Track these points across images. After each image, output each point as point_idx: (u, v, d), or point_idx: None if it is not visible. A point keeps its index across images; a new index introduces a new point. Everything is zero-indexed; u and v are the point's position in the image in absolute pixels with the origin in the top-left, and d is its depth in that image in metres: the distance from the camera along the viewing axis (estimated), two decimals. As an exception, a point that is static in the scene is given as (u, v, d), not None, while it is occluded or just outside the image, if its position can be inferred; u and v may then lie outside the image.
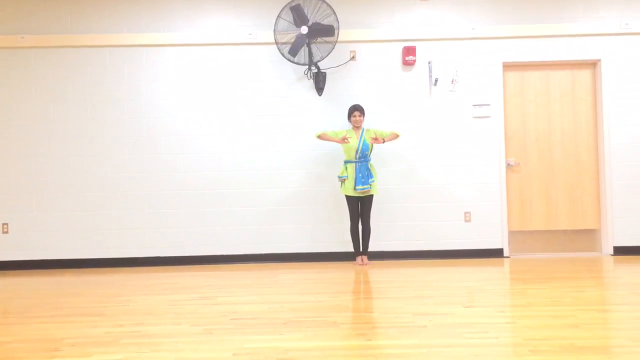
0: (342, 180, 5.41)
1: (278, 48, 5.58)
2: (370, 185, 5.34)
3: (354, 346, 2.84)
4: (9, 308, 3.97)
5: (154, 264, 5.74)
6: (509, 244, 5.84)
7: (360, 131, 5.44)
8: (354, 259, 5.54)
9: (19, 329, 3.35)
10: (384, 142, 5.40)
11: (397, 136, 5.44)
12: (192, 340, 3.02)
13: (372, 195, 5.42)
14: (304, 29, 5.45)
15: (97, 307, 3.88)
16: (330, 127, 5.72)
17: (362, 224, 5.48)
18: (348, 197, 5.42)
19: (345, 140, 5.33)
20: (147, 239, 5.77)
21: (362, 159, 5.37)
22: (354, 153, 5.37)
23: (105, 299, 4.14)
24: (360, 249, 5.49)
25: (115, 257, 5.74)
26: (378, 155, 5.66)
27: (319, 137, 5.46)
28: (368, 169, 5.37)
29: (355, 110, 5.44)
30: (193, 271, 5.39)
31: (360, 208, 5.46)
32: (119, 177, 5.77)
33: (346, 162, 5.43)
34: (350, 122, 5.52)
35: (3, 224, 5.74)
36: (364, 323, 3.31)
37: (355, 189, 5.33)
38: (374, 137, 5.36)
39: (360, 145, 5.36)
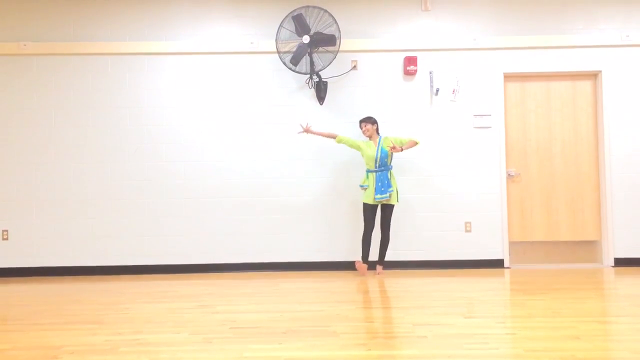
0: (364, 188, 5.43)
1: (280, 57, 5.61)
2: (389, 195, 5.32)
3: (354, 356, 2.83)
4: (9, 315, 3.96)
5: (153, 271, 5.73)
6: (509, 255, 5.83)
7: (378, 140, 5.44)
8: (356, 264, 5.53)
9: (18, 336, 3.34)
10: (402, 150, 5.33)
11: (415, 143, 5.34)
12: (192, 348, 3.01)
13: (392, 205, 5.41)
14: (306, 38, 5.48)
15: (97, 315, 3.87)
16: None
17: (381, 233, 5.47)
18: (365, 205, 5.40)
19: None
20: (147, 247, 5.76)
21: (381, 167, 5.35)
22: (373, 162, 5.36)
23: (104, 307, 4.13)
24: (377, 258, 5.51)
25: (115, 264, 5.74)
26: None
27: (339, 141, 5.47)
28: (388, 178, 5.35)
29: (361, 122, 5.48)
30: (192, 279, 5.38)
31: (380, 217, 5.46)
32: (120, 184, 5.78)
33: (367, 171, 5.43)
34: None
35: (3, 231, 5.74)
36: (364, 333, 3.30)
37: (374, 198, 5.33)
38: (392, 145, 5.32)
39: (379, 154, 5.34)
